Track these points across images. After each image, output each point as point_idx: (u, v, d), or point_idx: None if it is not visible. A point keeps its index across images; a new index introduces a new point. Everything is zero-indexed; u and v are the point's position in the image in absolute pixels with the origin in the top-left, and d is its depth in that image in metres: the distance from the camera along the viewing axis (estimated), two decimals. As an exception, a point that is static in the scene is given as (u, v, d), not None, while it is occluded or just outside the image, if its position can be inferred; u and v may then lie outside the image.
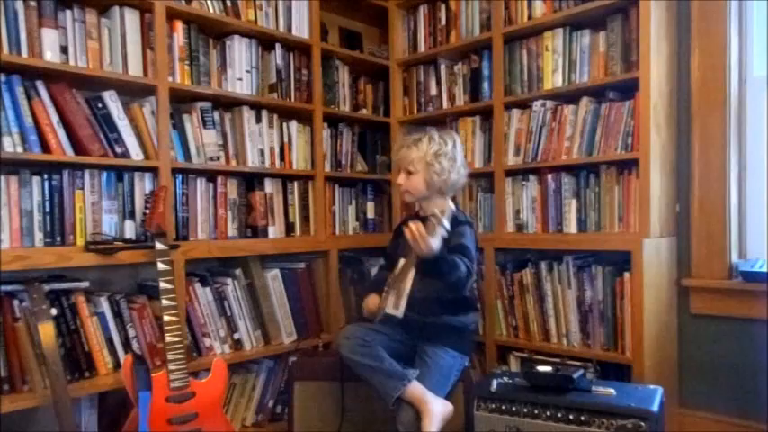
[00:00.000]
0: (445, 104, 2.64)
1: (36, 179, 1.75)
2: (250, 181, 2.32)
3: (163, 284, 1.76)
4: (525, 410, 1.68)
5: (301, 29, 2.44)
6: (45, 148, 1.74)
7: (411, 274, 1.79)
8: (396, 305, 1.81)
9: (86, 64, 1.85)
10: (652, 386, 1.73)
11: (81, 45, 1.84)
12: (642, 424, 1.53)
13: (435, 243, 1.61)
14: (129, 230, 1.93)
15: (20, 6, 1.70)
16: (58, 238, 1.78)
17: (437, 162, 1.88)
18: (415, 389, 1.74)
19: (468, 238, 1.85)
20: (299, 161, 2.47)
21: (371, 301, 1.97)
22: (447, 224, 1.60)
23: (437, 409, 1.72)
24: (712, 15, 2.12)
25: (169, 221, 1.97)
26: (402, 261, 1.84)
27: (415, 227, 1.60)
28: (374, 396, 1.82)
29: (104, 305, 1.86)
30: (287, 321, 2.35)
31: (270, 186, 2.36)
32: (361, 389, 1.89)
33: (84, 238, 1.82)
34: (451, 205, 1.62)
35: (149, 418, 1.67)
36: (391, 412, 1.77)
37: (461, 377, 1.91)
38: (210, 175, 2.18)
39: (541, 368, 1.75)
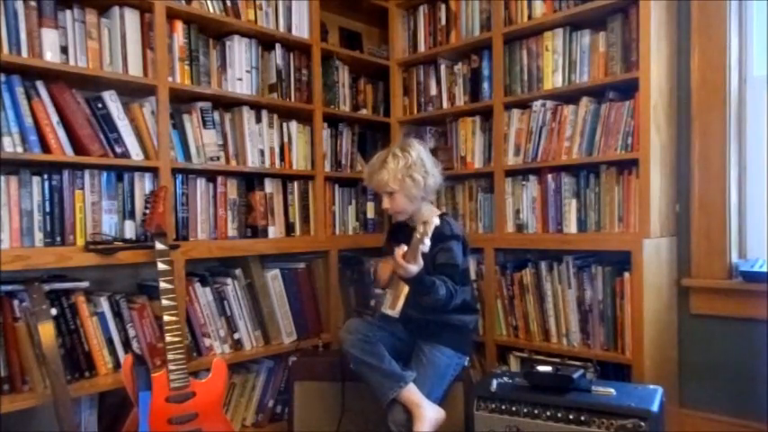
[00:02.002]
0: (445, 104, 2.64)
1: (36, 179, 1.75)
2: (250, 181, 2.32)
3: (163, 284, 1.76)
4: (525, 410, 1.68)
5: (301, 29, 2.44)
6: (45, 148, 1.74)
7: None
8: (392, 305, 1.82)
9: (86, 64, 1.85)
10: (652, 386, 1.73)
11: (81, 45, 1.84)
12: (642, 424, 1.52)
13: (413, 268, 1.65)
14: (129, 230, 1.93)
15: (20, 6, 1.70)
16: (58, 238, 1.78)
17: (408, 176, 1.90)
18: (411, 392, 1.75)
19: (455, 255, 1.85)
20: (299, 161, 2.47)
21: (385, 267, 1.98)
22: (428, 242, 1.62)
23: (430, 414, 1.73)
24: (712, 15, 2.12)
25: (169, 221, 1.97)
26: None
27: (397, 255, 1.65)
28: (372, 394, 1.82)
29: (104, 305, 1.86)
30: (287, 321, 2.35)
31: (270, 186, 2.36)
32: (360, 388, 1.89)
33: (84, 238, 1.82)
34: (436, 221, 1.63)
35: (149, 417, 1.67)
36: (384, 410, 1.78)
37: (461, 377, 1.91)
38: (210, 175, 2.18)
39: (541, 368, 1.75)
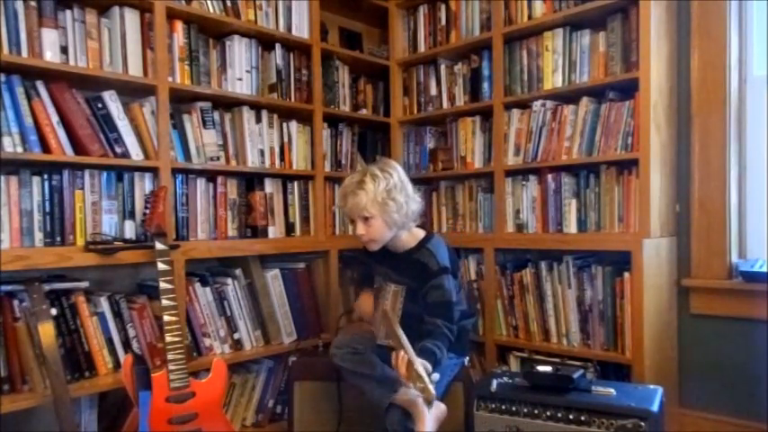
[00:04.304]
0: (445, 104, 2.64)
1: (36, 179, 1.75)
2: (250, 181, 2.32)
3: (163, 284, 1.76)
4: (525, 410, 1.68)
5: (301, 29, 2.44)
6: (45, 148, 1.74)
7: (399, 302, 1.77)
8: (387, 335, 1.78)
9: (86, 64, 1.85)
10: (652, 386, 1.73)
11: (81, 45, 1.84)
12: (642, 424, 1.53)
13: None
14: (129, 230, 1.93)
15: (20, 6, 1.70)
16: (58, 238, 1.78)
17: (391, 199, 1.73)
18: (407, 392, 1.73)
19: (447, 291, 1.74)
20: (299, 161, 2.47)
21: (364, 301, 1.95)
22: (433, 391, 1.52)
23: (430, 410, 1.71)
24: (712, 15, 2.12)
25: (169, 221, 1.97)
26: (391, 289, 1.77)
27: (401, 362, 1.54)
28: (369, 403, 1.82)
29: (104, 305, 1.86)
30: (287, 321, 2.35)
31: (270, 186, 2.36)
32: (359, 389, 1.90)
33: (84, 238, 1.82)
34: (436, 377, 1.52)
35: (149, 417, 1.67)
36: (383, 415, 1.77)
37: (461, 377, 1.91)
38: (210, 175, 2.18)
39: (541, 368, 1.75)
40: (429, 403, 1.54)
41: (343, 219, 2.65)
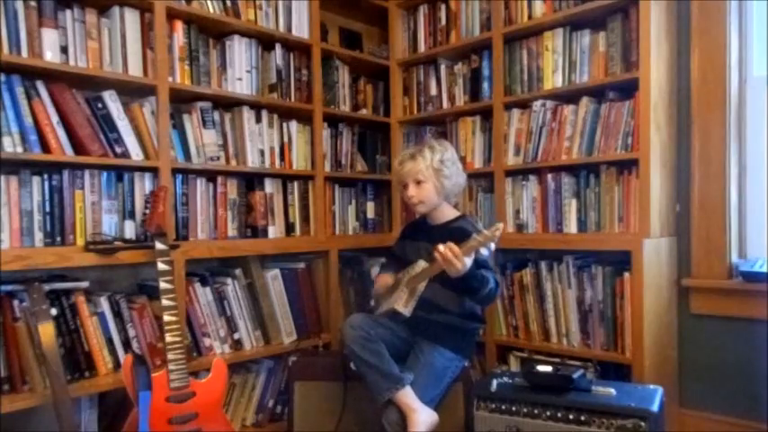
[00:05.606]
0: (445, 104, 2.64)
1: (36, 179, 1.75)
2: (250, 181, 2.32)
3: (163, 284, 1.76)
4: (525, 410, 1.68)
5: (301, 29, 2.44)
6: (45, 148, 1.74)
7: (426, 279, 1.79)
8: (406, 303, 1.82)
9: (86, 64, 1.85)
10: (652, 386, 1.73)
11: (81, 45, 1.84)
12: (642, 424, 1.52)
13: (468, 262, 1.64)
14: (129, 230, 1.93)
15: (20, 6, 1.70)
16: (58, 238, 1.79)
17: (444, 167, 1.92)
18: (407, 395, 1.75)
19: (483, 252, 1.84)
20: (299, 161, 2.47)
21: (384, 278, 2.00)
22: (493, 246, 1.62)
23: (423, 418, 1.73)
24: (712, 15, 2.12)
25: (169, 221, 1.97)
26: (423, 264, 1.84)
27: (446, 248, 1.63)
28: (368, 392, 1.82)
29: (104, 305, 1.86)
30: (287, 321, 2.35)
31: (270, 186, 2.36)
32: (360, 388, 1.89)
33: (84, 238, 1.82)
34: (500, 225, 1.60)
35: (149, 417, 1.67)
36: (379, 408, 1.78)
37: (461, 377, 1.91)
38: (210, 175, 2.18)
39: (541, 368, 1.75)
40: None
41: (343, 218, 2.66)
